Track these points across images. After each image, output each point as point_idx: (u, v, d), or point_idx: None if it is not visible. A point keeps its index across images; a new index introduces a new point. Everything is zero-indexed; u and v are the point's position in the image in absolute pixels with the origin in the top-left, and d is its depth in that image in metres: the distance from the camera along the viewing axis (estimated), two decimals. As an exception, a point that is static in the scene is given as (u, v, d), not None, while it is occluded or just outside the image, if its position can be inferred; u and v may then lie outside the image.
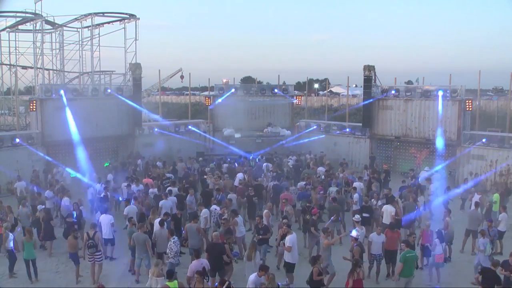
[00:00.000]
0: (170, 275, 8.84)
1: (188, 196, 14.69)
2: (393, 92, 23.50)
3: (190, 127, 25.64)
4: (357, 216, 12.29)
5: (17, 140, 19.84)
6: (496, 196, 15.09)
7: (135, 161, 21.47)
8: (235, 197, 15.17)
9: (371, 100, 23.73)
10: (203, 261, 9.58)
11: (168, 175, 18.33)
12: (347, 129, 25.46)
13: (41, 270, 11.78)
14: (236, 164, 20.62)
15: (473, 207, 14.00)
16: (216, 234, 10.74)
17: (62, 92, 21.07)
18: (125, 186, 16.03)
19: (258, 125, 25.95)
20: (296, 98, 27.24)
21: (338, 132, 25.60)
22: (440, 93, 21.51)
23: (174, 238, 10.79)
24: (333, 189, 15.68)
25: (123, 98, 23.10)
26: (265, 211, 13.51)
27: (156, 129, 24.55)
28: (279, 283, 9.06)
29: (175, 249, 10.68)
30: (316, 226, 12.44)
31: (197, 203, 14.56)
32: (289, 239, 10.54)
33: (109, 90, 23.14)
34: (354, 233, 11.05)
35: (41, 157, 20.26)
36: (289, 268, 10.53)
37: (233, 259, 10.93)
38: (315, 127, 26.14)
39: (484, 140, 20.61)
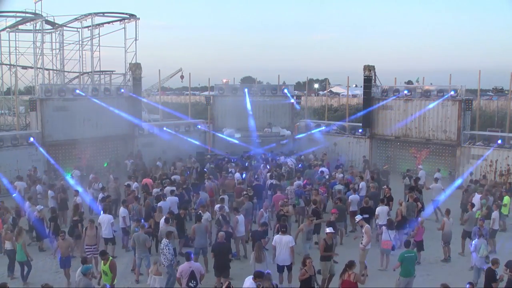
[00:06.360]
0: (103, 254, 9.51)
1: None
2: (393, 97, 23.39)
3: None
4: (358, 216, 12.13)
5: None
6: (506, 199, 14.78)
7: (124, 162, 21.46)
8: (227, 198, 15.09)
9: (374, 107, 23.71)
10: (193, 264, 9.35)
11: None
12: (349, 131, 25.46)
13: (41, 270, 11.81)
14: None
15: (476, 207, 13.78)
16: (221, 234, 10.69)
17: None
18: (126, 186, 16.00)
19: (258, 125, 25.92)
20: (297, 98, 27.20)
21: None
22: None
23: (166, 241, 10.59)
24: (339, 187, 15.57)
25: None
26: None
27: (155, 129, 24.50)
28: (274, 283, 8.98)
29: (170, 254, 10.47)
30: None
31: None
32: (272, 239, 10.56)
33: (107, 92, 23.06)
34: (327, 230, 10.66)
35: (41, 157, 20.24)
36: (277, 268, 10.44)
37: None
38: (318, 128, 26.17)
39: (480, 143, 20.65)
